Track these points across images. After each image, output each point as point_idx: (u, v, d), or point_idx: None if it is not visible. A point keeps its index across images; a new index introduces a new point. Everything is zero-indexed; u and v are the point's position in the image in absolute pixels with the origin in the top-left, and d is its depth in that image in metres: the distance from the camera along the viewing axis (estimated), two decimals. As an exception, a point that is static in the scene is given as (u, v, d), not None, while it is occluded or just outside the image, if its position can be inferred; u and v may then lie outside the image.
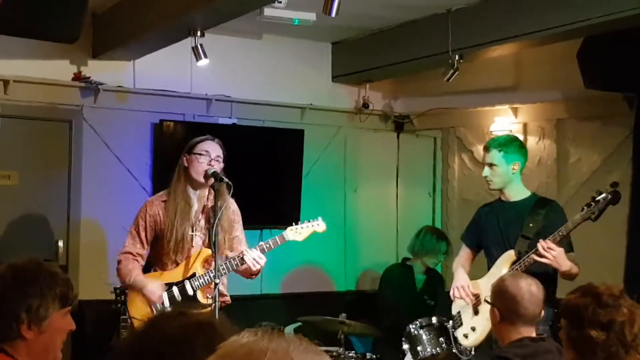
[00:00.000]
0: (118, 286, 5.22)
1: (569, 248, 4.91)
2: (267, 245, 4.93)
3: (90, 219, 6.63)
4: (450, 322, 5.36)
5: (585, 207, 4.67)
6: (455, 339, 5.26)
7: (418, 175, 8.32)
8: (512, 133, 7.26)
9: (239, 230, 5.11)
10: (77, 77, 6.55)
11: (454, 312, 5.35)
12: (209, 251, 4.91)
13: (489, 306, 4.92)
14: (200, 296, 4.88)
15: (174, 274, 4.93)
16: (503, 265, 5.04)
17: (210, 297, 4.80)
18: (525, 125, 7.28)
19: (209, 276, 4.82)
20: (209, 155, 4.86)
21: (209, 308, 4.79)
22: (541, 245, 4.70)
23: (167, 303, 4.85)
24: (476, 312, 5.17)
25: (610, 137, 6.65)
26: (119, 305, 5.18)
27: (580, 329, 2.94)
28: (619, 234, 6.27)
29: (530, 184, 6.99)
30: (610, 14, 5.20)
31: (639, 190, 6.22)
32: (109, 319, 5.42)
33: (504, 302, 3.68)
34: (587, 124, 6.85)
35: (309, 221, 5.11)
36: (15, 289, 2.61)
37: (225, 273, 4.89)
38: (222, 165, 4.88)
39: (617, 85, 6.20)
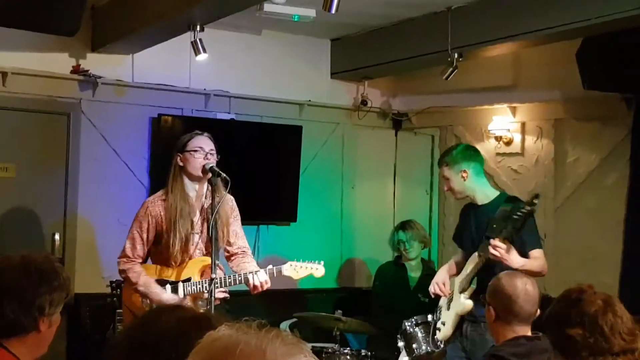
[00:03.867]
0: (114, 280, 5.22)
1: (532, 246, 4.96)
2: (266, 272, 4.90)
3: (87, 213, 6.62)
4: (430, 316, 5.53)
5: (515, 215, 4.72)
6: (435, 331, 5.38)
7: (415, 173, 8.32)
8: (510, 132, 7.29)
9: (237, 225, 5.08)
10: (76, 70, 6.54)
11: (439, 304, 5.46)
12: (209, 260, 4.79)
13: (458, 302, 5.06)
14: (189, 301, 4.80)
15: (172, 272, 4.90)
16: (469, 266, 5.13)
17: (201, 302, 4.79)
18: (523, 125, 7.29)
19: (204, 287, 4.75)
20: (203, 150, 4.83)
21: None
22: (492, 242, 4.78)
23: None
24: (448, 308, 5.29)
25: (608, 137, 6.66)
26: (114, 298, 5.19)
27: (559, 331, 2.96)
28: (616, 234, 6.28)
29: (528, 184, 7.04)
30: (610, 15, 5.21)
31: (635, 190, 6.23)
32: (105, 313, 5.43)
33: (499, 301, 3.68)
34: (585, 124, 6.85)
35: (310, 262, 5.03)
36: (42, 282, 2.63)
37: (230, 284, 4.85)
38: (216, 157, 4.86)
39: (616, 86, 6.21)
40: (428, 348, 5.42)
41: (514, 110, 7.30)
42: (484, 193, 5.26)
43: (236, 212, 5.08)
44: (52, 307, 2.64)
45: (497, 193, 5.31)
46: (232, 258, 5.08)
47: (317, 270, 5.04)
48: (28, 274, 2.63)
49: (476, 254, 5.05)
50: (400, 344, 5.57)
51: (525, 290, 3.65)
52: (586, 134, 6.85)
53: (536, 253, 4.98)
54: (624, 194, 6.30)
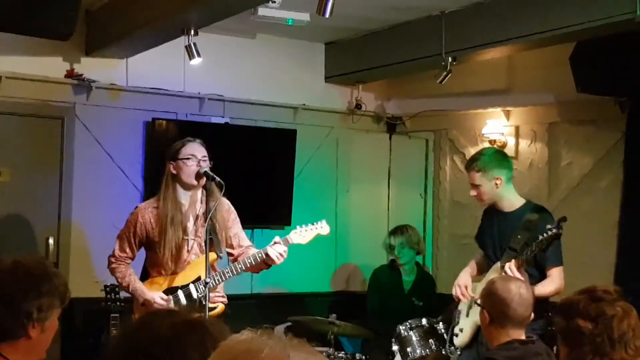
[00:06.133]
0: (108, 284, 5.22)
1: (552, 263, 4.92)
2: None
3: (81, 217, 6.61)
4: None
5: (540, 237, 4.67)
6: (452, 336, 5.31)
7: (410, 177, 8.32)
8: (504, 135, 7.30)
9: (237, 228, 5.07)
10: (70, 74, 6.53)
11: (459, 307, 5.38)
12: (214, 255, 4.86)
13: (478, 309, 5.02)
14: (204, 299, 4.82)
15: (180, 277, 4.89)
16: (491, 275, 5.05)
17: (218, 295, 4.87)
18: (517, 128, 7.30)
19: (215, 280, 4.81)
20: (196, 158, 4.81)
21: (215, 311, 4.84)
22: (507, 265, 4.75)
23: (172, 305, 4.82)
24: (467, 315, 5.21)
25: (601, 140, 6.67)
26: (109, 302, 5.19)
27: (570, 319, 2.95)
28: (610, 237, 6.29)
29: (521, 187, 7.01)
30: (602, 19, 5.22)
31: (629, 193, 6.24)
32: (99, 317, 5.42)
33: (493, 305, 3.69)
34: (579, 127, 6.87)
35: (312, 223, 5.05)
36: (30, 288, 2.59)
37: (244, 269, 4.89)
38: (209, 164, 4.86)
39: (609, 90, 6.22)
40: (422, 352, 5.42)
41: (507, 114, 7.32)
42: (510, 200, 5.16)
43: (234, 215, 5.07)
44: (41, 312, 2.59)
45: (522, 201, 5.20)
46: (239, 258, 5.06)
47: (322, 228, 5.07)
48: (16, 279, 2.60)
49: (499, 264, 4.99)
50: (395, 347, 5.57)
51: (519, 294, 3.65)
52: (580, 138, 6.86)
53: (555, 272, 4.91)
54: (618, 197, 6.31)
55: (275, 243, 4.90)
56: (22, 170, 6.41)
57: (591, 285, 3.08)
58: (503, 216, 5.17)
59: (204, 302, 4.77)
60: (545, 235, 4.62)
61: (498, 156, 5.26)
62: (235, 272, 4.87)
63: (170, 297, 4.84)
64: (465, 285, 5.23)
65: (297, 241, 4.99)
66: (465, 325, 5.17)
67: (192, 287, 4.84)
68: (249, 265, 4.87)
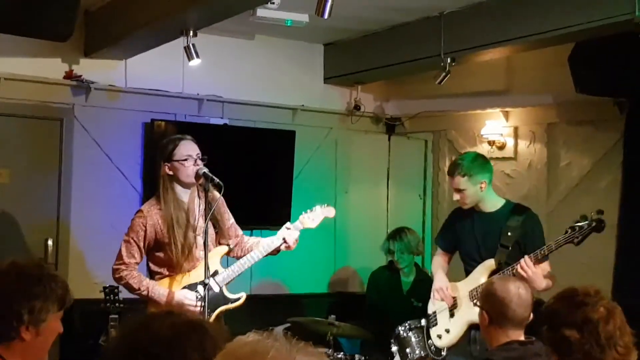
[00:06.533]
0: (107, 285, 5.20)
1: (545, 257, 4.93)
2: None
3: (80, 218, 6.61)
4: (423, 320, 5.49)
5: (569, 230, 4.66)
6: (429, 336, 5.35)
7: (409, 178, 8.32)
8: (503, 136, 7.30)
9: (232, 219, 5.13)
10: (69, 75, 6.53)
11: (429, 310, 5.42)
12: (225, 248, 4.99)
13: (464, 309, 5.04)
14: (226, 291, 4.90)
15: (195, 273, 4.89)
16: (482, 274, 5.06)
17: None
18: (516, 129, 7.30)
19: (232, 271, 4.90)
20: (192, 157, 4.81)
21: (240, 302, 4.91)
22: (523, 261, 4.76)
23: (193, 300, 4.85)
24: (452, 315, 5.24)
25: (600, 141, 6.67)
26: (108, 304, 5.18)
27: (556, 329, 2.94)
28: (609, 238, 6.28)
29: (520, 188, 7.05)
30: (601, 19, 5.22)
31: (628, 194, 6.24)
32: (98, 318, 5.42)
33: (492, 305, 3.68)
34: (578, 128, 6.87)
35: (316, 208, 5.18)
36: (20, 289, 2.58)
37: (260, 257, 4.99)
38: (203, 160, 4.85)
39: (608, 90, 6.22)
40: (422, 352, 5.41)
41: (506, 115, 7.32)
42: (492, 201, 5.22)
43: (225, 206, 5.10)
44: (33, 315, 2.57)
45: (503, 201, 5.26)
46: (235, 248, 5.12)
47: (329, 211, 5.24)
48: (8, 280, 2.59)
49: (492, 261, 5.02)
50: (394, 348, 5.56)
51: (518, 295, 3.65)
52: (579, 138, 6.86)
53: (547, 266, 4.95)
54: (616, 198, 6.31)
55: (287, 229, 5.02)
56: (21, 171, 6.41)
57: (569, 287, 3.07)
58: (485, 216, 5.21)
59: (226, 294, 4.90)
60: (578, 229, 4.62)
61: (480, 160, 5.29)
62: (252, 262, 4.95)
63: (196, 294, 4.84)
64: (446, 287, 5.27)
65: (308, 225, 5.13)
66: (453, 326, 5.18)
67: (211, 281, 4.83)
68: (265, 254, 4.98)
